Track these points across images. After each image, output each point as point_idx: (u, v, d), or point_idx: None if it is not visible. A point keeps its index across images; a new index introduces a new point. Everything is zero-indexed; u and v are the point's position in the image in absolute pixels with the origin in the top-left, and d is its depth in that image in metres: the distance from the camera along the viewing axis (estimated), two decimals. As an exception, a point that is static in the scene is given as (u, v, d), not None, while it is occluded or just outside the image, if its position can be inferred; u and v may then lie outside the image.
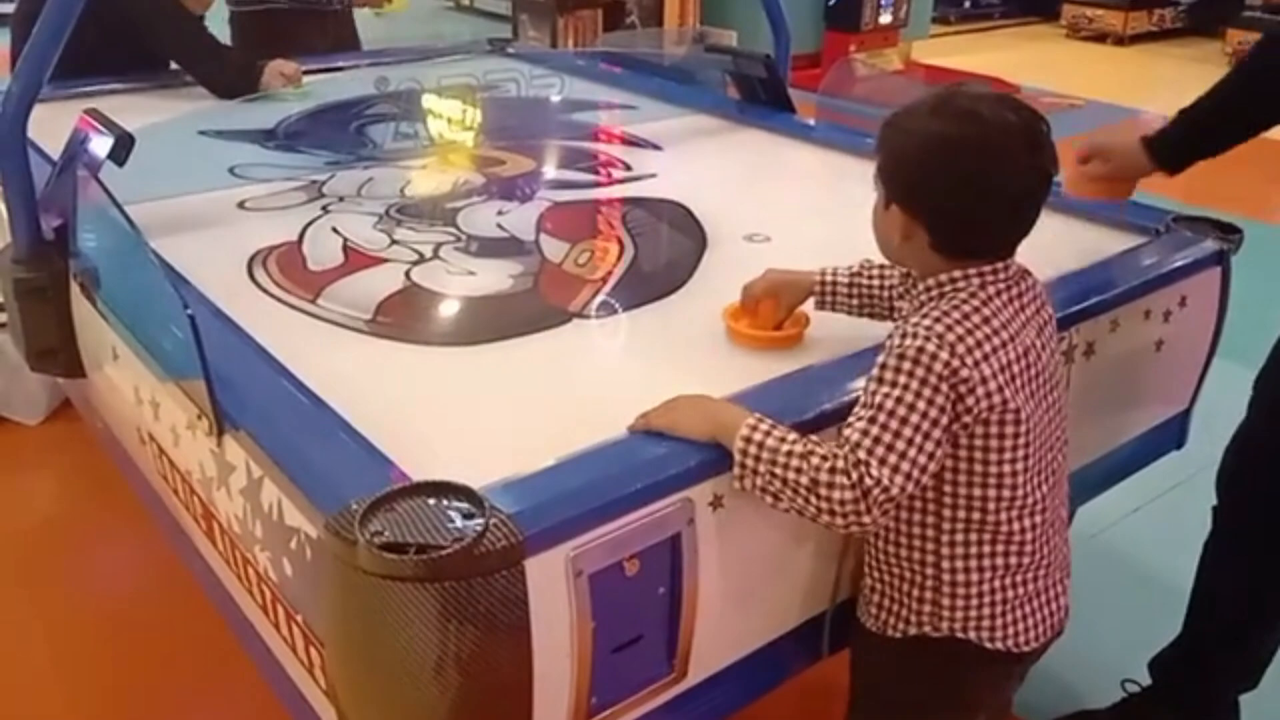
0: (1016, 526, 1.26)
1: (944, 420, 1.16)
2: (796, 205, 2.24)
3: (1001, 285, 1.23)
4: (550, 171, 2.38)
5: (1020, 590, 1.29)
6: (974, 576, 1.27)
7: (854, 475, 1.12)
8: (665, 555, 1.18)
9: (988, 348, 1.18)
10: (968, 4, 9.68)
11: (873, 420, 1.15)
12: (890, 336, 1.22)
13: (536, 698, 1.11)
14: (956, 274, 1.22)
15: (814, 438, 1.17)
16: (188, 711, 2.02)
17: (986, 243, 1.23)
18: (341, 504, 1.06)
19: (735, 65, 2.81)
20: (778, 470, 1.15)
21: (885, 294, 1.49)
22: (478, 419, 1.36)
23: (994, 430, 1.20)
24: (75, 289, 1.79)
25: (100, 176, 1.63)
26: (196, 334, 1.25)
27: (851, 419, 1.17)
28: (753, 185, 2.36)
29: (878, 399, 1.16)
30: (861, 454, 1.13)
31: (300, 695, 1.31)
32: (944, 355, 1.15)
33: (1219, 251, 1.82)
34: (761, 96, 2.75)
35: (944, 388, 1.15)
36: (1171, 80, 7.37)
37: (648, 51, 3.89)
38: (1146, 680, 1.96)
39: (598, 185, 2.30)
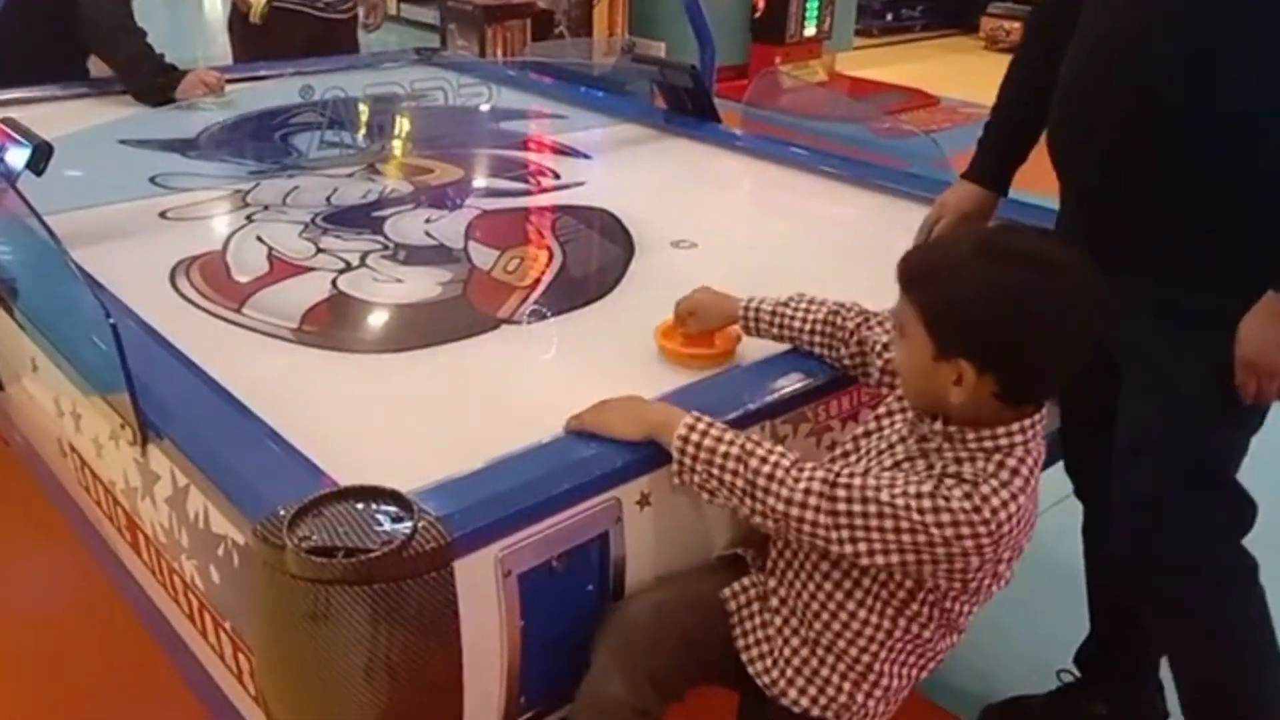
0: (943, 645, 1.28)
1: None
2: (722, 212, 2.28)
3: (1041, 429, 1.19)
4: (479, 180, 2.39)
5: (897, 681, 1.29)
6: (863, 657, 1.25)
7: (804, 479, 1.17)
8: (593, 553, 1.20)
9: (1020, 519, 1.16)
10: (889, 17, 9.86)
11: (874, 497, 1.14)
12: (925, 449, 1.20)
13: (467, 698, 1.12)
14: (1015, 431, 1.16)
15: (752, 437, 1.20)
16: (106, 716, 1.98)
17: (1050, 390, 1.21)
18: (269, 510, 1.06)
19: (662, 75, 2.85)
20: (714, 470, 1.19)
21: (807, 331, 1.45)
22: (406, 424, 1.37)
23: (973, 582, 1.21)
24: (-9, 300, 1.75)
25: (18, 186, 1.60)
26: (119, 343, 1.24)
27: (863, 467, 1.19)
28: (679, 193, 2.39)
29: (895, 493, 1.13)
30: (828, 489, 1.16)
31: (229, 704, 1.30)
32: (986, 541, 1.13)
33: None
34: (688, 106, 2.79)
35: (973, 559, 1.14)
36: (1085, 91, 7.58)
37: (576, 61, 3.92)
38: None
39: (527, 194, 2.32)
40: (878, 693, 1.27)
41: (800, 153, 2.48)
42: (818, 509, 1.16)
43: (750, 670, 1.30)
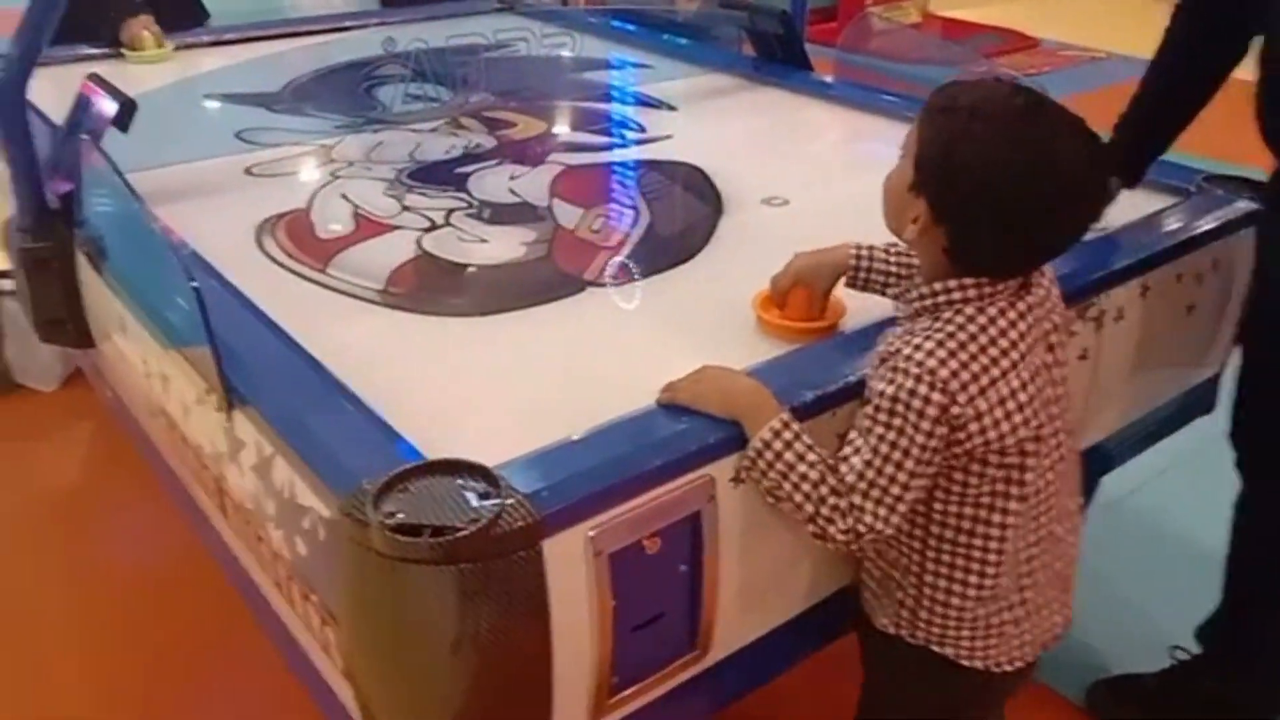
0: (1005, 556, 1.21)
1: (936, 458, 1.13)
2: (815, 166, 2.19)
3: (1005, 302, 1.15)
4: (563, 134, 2.33)
5: (1006, 615, 1.25)
6: (954, 600, 1.23)
7: (850, 520, 1.13)
8: (686, 533, 1.15)
9: (985, 380, 1.12)
10: (986, -46, 9.46)
11: (869, 464, 1.12)
12: (880, 349, 1.18)
13: (556, 678, 1.09)
14: (954, 289, 1.14)
15: (830, 460, 1.15)
16: (201, 682, 2.01)
17: (1006, 269, 1.15)
18: (354, 484, 1.03)
19: (751, 21, 2.74)
20: (786, 486, 1.14)
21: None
22: (492, 392, 1.33)
23: (993, 464, 1.16)
24: (82, 259, 1.75)
25: (103, 144, 1.59)
26: (202, 307, 1.22)
27: (849, 449, 1.15)
28: (770, 146, 2.30)
29: (872, 441, 1.13)
30: (856, 499, 1.13)
31: (316, 672, 1.29)
32: (936, 396, 1.10)
33: (1252, 212, 1.76)
34: (778, 53, 2.68)
35: (936, 430, 1.11)
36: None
37: (661, 8, 3.81)
38: (1195, 648, 1.92)
39: (612, 148, 2.25)
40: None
41: (897, 101, 2.37)
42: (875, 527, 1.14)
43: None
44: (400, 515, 1.00)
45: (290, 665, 1.38)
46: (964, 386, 1.11)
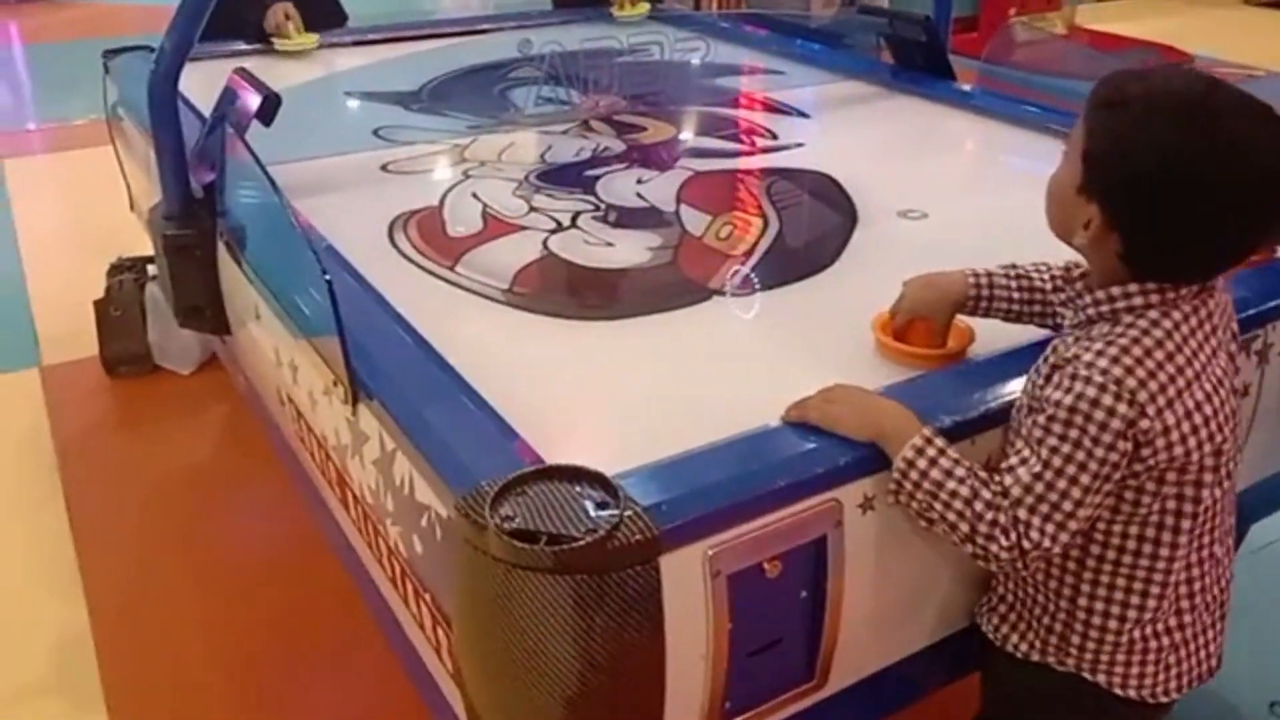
0: (1171, 578, 1.12)
1: (1116, 475, 1.04)
2: (955, 179, 2.11)
3: (1189, 308, 1.06)
4: (692, 139, 2.30)
5: (1164, 640, 1.15)
6: (1112, 623, 1.14)
7: (1013, 535, 1.04)
8: (809, 558, 1.10)
9: (1172, 391, 1.03)
10: (1137, -34, 9.08)
11: (1038, 477, 1.04)
12: (1050, 358, 1.10)
13: (668, 698, 1.05)
14: (1135, 294, 1.06)
15: (981, 473, 1.07)
16: (317, 668, 2.05)
17: (1188, 272, 1.06)
18: (473, 484, 1.02)
19: (891, 28, 2.67)
20: (937, 506, 1.07)
21: (1049, 290, 1.31)
22: (613, 399, 1.31)
23: (1170, 481, 1.07)
24: (222, 248, 1.80)
25: (247, 136, 1.63)
26: (334, 300, 1.23)
27: (1014, 460, 1.07)
28: (908, 157, 2.23)
29: (1044, 453, 1.04)
30: (1023, 513, 1.04)
31: (427, 672, 1.29)
32: (1122, 408, 1.01)
33: None
34: (919, 62, 2.60)
35: (1120, 445, 1.02)
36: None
37: (795, 13, 3.75)
38: None
39: (741, 154, 2.21)
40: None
41: (1042, 113, 2.26)
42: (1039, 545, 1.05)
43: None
44: (517, 519, 0.98)
45: (402, 661, 1.38)
46: (1152, 398, 1.02)
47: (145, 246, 2.85)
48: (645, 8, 3.32)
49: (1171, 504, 1.09)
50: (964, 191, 2.02)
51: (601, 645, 0.99)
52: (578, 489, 1.02)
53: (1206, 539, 1.14)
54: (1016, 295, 1.32)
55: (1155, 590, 1.12)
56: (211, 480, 2.63)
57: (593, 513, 0.99)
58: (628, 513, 0.98)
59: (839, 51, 2.93)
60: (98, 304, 2.98)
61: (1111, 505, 1.09)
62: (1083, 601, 1.14)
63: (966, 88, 2.53)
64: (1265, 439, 1.54)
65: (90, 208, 4.01)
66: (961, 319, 1.36)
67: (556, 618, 0.98)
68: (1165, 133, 0.99)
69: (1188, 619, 1.16)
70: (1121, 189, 1.03)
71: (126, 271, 2.99)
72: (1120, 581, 1.12)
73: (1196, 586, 1.15)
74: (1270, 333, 1.45)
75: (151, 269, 2.95)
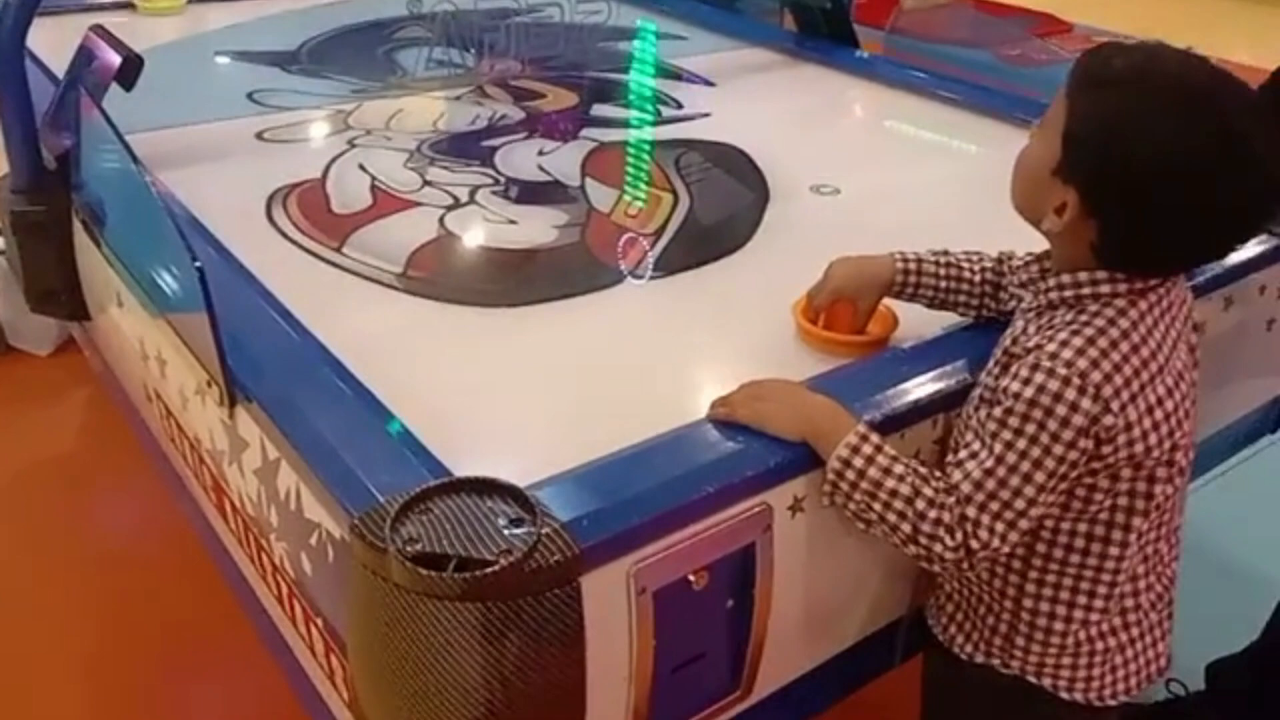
0: (1120, 578, 1.08)
1: (1073, 473, 0.99)
2: (865, 152, 2.05)
3: (1154, 298, 1.01)
4: (595, 107, 2.19)
5: (1110, 641, 1.12)
6: (1057, 624, 1.10)
7: (959, 535, 0.98)
8: (737, 567, 1.03)
9: (1136, 385, 0.98)
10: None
11: (989, 473, 0.97)
12: (1007, 347, 1.04)
13: (588, 725, 0.97)
14: (1103, 282, 1.00)
15: (921, 469, 1.01)
16: (192, 679, 1.90)
17: (1161, 268, 1.02)
18: (370, 501, 0.91)
19: (795, -6, 2.60)
20: (876, 506, 1.00)
21: (977, 282, 1.26)
22: (524, 397, 1.21)
23: (1124, 478, 1.02)
24: (78, 226, 1.63)
25: (105, 101, 1.46)
26: (205, 289, 1.09)
27: (963, 454, 1.00)
28: (816, 129, 2.17)
29: (998, 448, 0.98)
30: (971, 510, 0.98)
31: (318, 696, 1.18)
32: (1086, 403, 0.95)
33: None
34: (822, 29, 2.54)
35: (1081, 441, 0.97)
36: (1231, 21, 7.02)
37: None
38: (1197, 683, 1.80)
39: (646, 124, 2.11)
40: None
41: (950, 84, 2.23)
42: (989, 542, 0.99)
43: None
44: (421, 542, 0.88)
45: (289, 683, 1.27)
46: (1117, 393, 0.97)
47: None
48: None
49: (1124, 501, 1.04)
50: (876, 164, 1.96)
51: (517, 674, 0.90)
52: (489, 504, 0.92)
53: (1154, 536, 1.10)
54: (943, 284, 1.27)
55: (1103, 590, 1.08)
56: (72, 473, 2.43)
57: (506, 531, 0.89)
58: (545, 530, 0.89)
59: (742, 17, 2.86)
60: (-58, 282, 2.73)
61: (1062, 503, 1.04)
62: (1028, 603, 1.10)
63: (875, 56, 2.49)
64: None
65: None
66: (885, 305, 1.30)
67: (468, 648, 0.88)
68: (1163, 120, 0.93)
69: (1133, 618, 1.12)
70: (1107, 176, 0.96)
71: (-27, 246, 2.74)
72: (1067, 581, 1.08)
73: (1142, 585, 1.12)
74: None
75: (0, 243, 2.72)
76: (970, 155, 2.02)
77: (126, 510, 2.31)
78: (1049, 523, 1.05)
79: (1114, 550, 1.06)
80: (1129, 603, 1.11)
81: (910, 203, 1.73)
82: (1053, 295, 1.03)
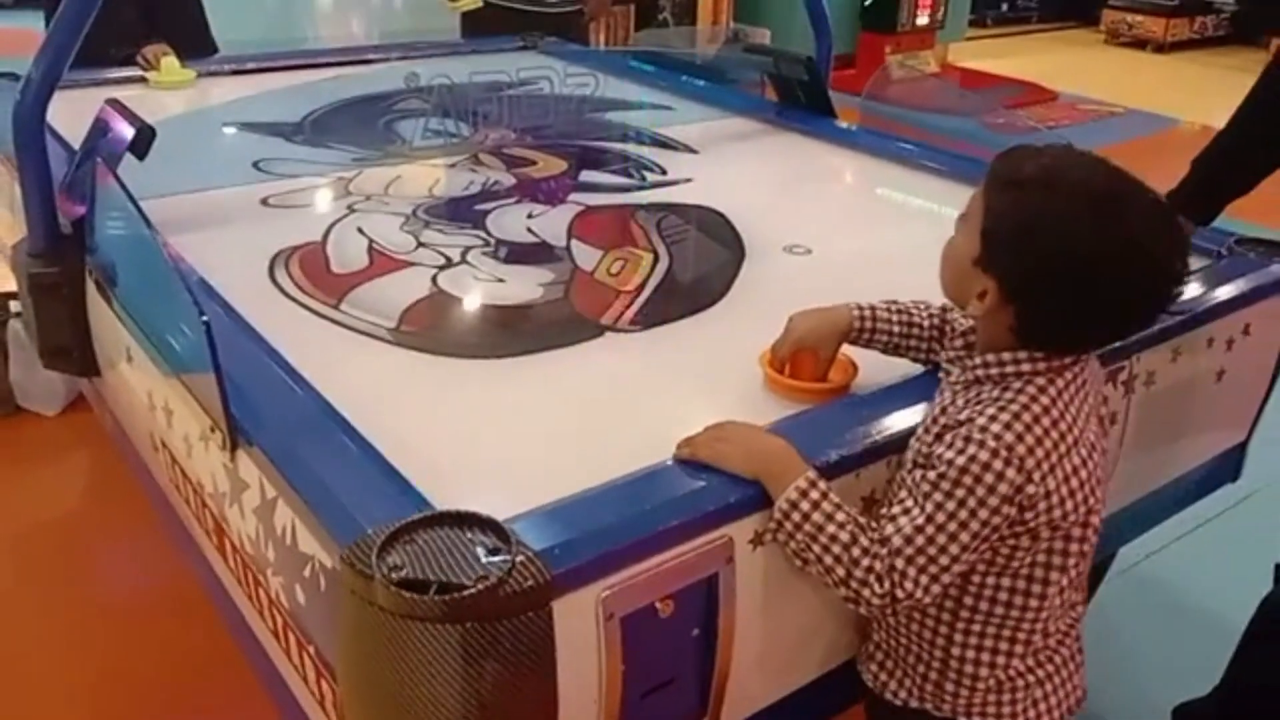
0: (1039, 627, 1.18)
1: (995, 536, 1.09)
2: (838, 214, 2.16)
3: (1070, 376, 1.12)
4: (582, 173, 2.30)
5: (1030, 678, 1.21)
6: (983, 670, 1.19)
7: (887, 584, 1.07)
8: (701, 596, 1.10)
9: (1055, 456, 1.08)
10: (1005, 7, 9.53)
11: (920, 529, 1.07)
12: (939, 418, 1.13)
13: (561, 745, 1.04)
14: (1024, 361, 1.11)
15: (860, 519, 1.10)
16: (183, 713, 1.96)
17: (1075, 347, 1.12)
18: (359, 533, 0.99)
19: (775, 66, 2.73)
20: (815, 548, 1.09)
21: (926, 327, 1.36)
22: (505, 439, 1.29)
23: (1043, 539, 1.12)
24: (91, 286, 1.73)
25: (119, 170, 1.57)
26: (211, 342, 1.18)
27: (896, 509, 1.10)
28: (792, 193, 2.28)
29: (929, 507, 1.07)
30: (899, 562, 1.07)
31: (309, 724, 1.24)
32: (1010, 473, 1.05)
33: (1286, 276, 1.72)
34: (801, 99, 2.66)
35: (1005, 508, 1.07)
36: (1213, 89, 7.21)
37: (683, 51, 3.81)
38: None
39: (631, 189, 2.22)
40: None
41: (921, 152, 2.34)
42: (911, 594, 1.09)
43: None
44: (405, 569, 0.95)
45: (281, 712, 1.33)
46: (1039, 464, 1.07)
47: (5, 283, 2.72)
48: None
49: (1042, 558, 1.14)
50: (845, 227, 2.07)
51: (493, 693, 0.97)
52: (468, 535, 1.00)
53: (1066, 583, 1.19)
54: (897, 330, 1.36)
55: (1022, 636, 1.18)
56: (78, 529, 2.50)
57: (484, 559, 0.97)
58: (519, 558, 0.97)
59: (725, 88, 2.98)
60: (-45, 343, 2.83)
61: (987, 559, 1.13)
62: (955, 651, 1.19)
63: (847, 125, 2.60)
64: (1132, 465, 1.61)
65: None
66: (845, 354, 1.39)
67: (448, 667, 0.96)
68: (1069, 223, 1.03)
69: (1044, 656, 1.21)
70: (1021, 269, 1.07)
71: (-15, 309, 2.84)
72: (990, 630, 1.17)
73: (1052, 627, 1.21)
74: (1135, 363, 1.52)
75: (14, 305, 2.81)
76: (940, 218, 2.12)
77: (129, 563, 2.37)
78: (975, 578, 1.15)
79: (1034, 602, 1.16)
80: (1039, 642, 1.20)
81: (878, 263, 1.83)
82: (979, 372, 1.14)
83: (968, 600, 1.16)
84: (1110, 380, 1.48)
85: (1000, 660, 1.18)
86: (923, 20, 7.11)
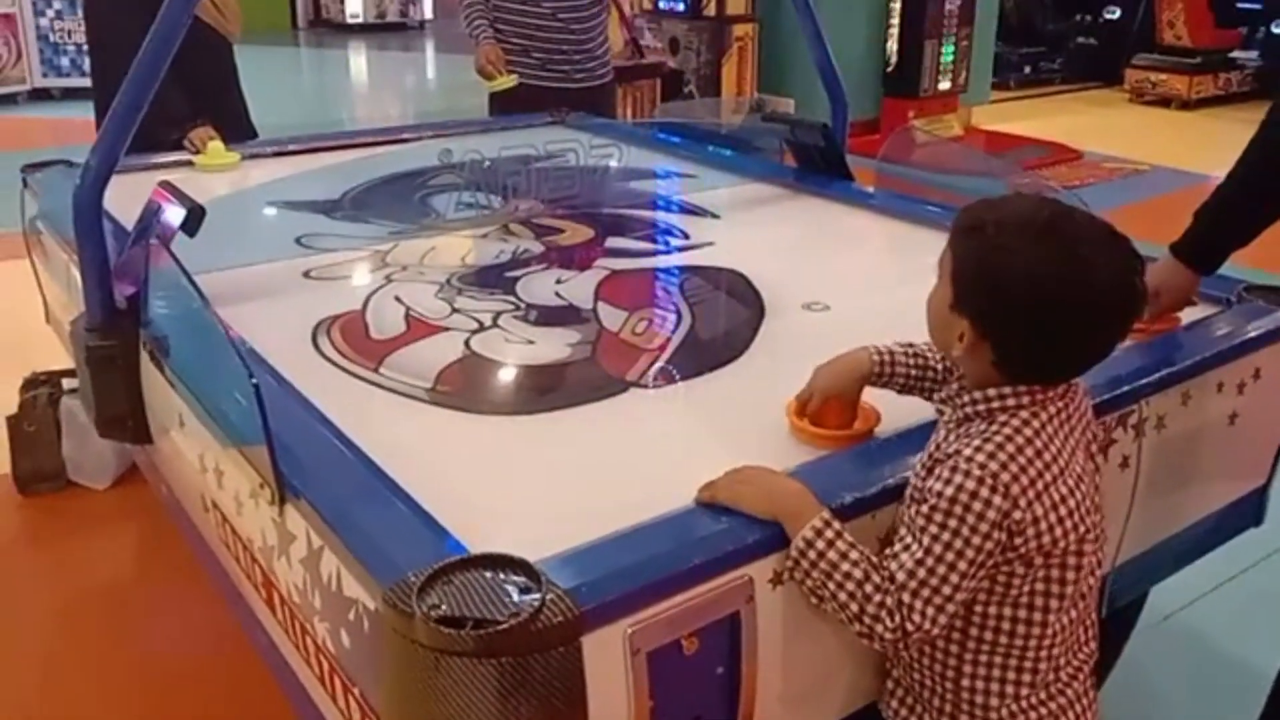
0: (1044, 654, 1.23)
1: (990, 562, 1.15)
2: (856, 273, 2.23)
3: (1055, 409, 1.19)
4: (608, 240, 2.40)
5: (1043, 710, 1.25)
6: (993, 700, 1.24)
7: (897, 618, 1.13)
8: (724, 634, 1.15)
9: (1040, 485, 1.14)
10: (1028, 69, 9.66)
11: (920, 563, 1.13)
12: (932, 453, 1.20)
13: (592, 778, 1.08)
14: (1009, 395, 1.18)
15: (873, 558, 1.16)
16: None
17: (1052, 375, 1.19)
18: (399, 576, 1.06)
19: (793, 134, 2.83)
20: (830, 586, 1.14)
21: (940, 369, 1.42)
22: (535, 489, 1.36)
23: (1037, 563, 1.17)
24: (145, 357, 1.83)
25: (172, 247, 1.67)
26: (261, 402, 1.27)
27: (898, 547, 1.16)
28: (811, 253, 2.36)
29: (926, 540, 1.13)
30: (906, 596, 1.13)
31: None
32: (997, 500, 1.12)
33: (1294, 321, 1.77)
34: (819, 164, 2.75)
35: (995, 534, 1.13)
36: (1239, 144, 7.26)
37: (705, 121, 3.93)
38: None
39: (656, 254, 2.31)
40: None
41: (937, 211, 2.41)
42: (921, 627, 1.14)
43: None
44: (443, 607, 1.02)
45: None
46: (1024, 490, 1.13)
47: (57, 361, 2.84)
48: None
49: (1040, 586, 1.19)
50: (863, 285, 2.14)
51: (528, 727, 1.03)
52: (501, 576, 1.06)
53: (1074, 613, 1.23)
54: (913, 371, 1.43)
55: (1029, 666, 1.22)
56: (126, 597, 2.58)
57: (516, 597, 1.03)
58: (550, 595, 1.03)
59: (746, 156, 3.08)
60: (11, 420, 2.94)
61: (986, 588, 1.18)
62: (965, 682, 1.23)
63: (866, 188, 2.68)
64: (1147, 510, 1.64)
65: (-1, 322, 3.97)
66: (868, 402, 1.45)
67: (484, 701, 1.01)
68: (1017, 248, 1.12)
69: (1055, 689, 1.25)
70: (988, 304, 1.15)
71: (41, 386, 2.96)
72: (997, 660, 1.22)
73: (1061, 662, 1.25)
74: (1145, 407, 1.56)
75: (66, 383, 2.93)
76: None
77: (178, 629, 2.44)
78: (978, 608, 1.20)
79: (1035, 630, 1.20)
80: (1050, 677, 1.24)
81: (895, 317, 1.86)
82: (968, 409, 1.20)
83: (973, 631, 1.21)
84: (1120, 424, 1.53)
85: (1009, 690, 1.22)
86: (945, 85, 7.23)
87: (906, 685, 1.29)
